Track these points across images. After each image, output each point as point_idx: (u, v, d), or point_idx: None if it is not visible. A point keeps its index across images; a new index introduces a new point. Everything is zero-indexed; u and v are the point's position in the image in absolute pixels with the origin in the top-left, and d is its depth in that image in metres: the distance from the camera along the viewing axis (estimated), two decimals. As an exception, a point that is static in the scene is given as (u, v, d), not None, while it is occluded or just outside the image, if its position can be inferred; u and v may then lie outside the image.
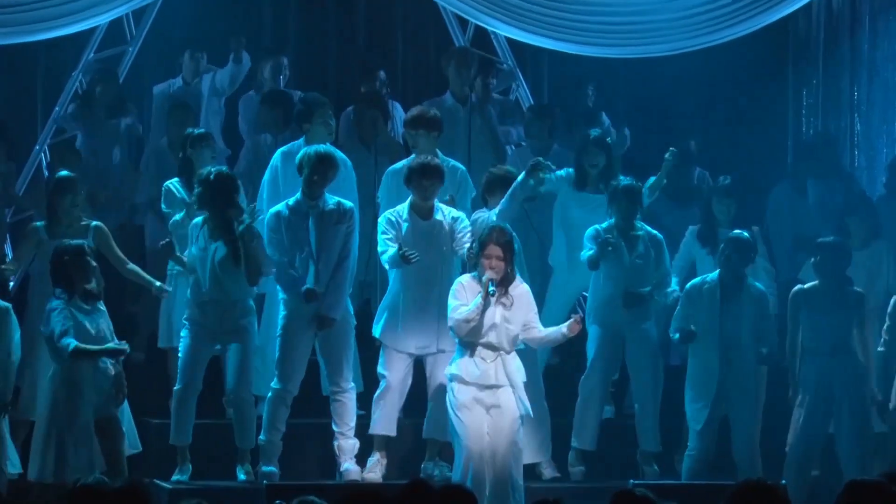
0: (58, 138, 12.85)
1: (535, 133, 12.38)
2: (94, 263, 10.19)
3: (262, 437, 10.60)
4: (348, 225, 10.68)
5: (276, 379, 10.62)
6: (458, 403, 10.04)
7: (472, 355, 10.04)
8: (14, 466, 10.27)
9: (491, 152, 12.37)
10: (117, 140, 12.68)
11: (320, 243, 10.60)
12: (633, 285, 10.95)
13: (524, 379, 10.15)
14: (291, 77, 13.03)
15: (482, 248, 10.02)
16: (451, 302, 10.05)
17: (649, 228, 11.11)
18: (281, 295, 10.71)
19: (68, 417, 10.04)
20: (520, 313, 10.08)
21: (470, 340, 10.02)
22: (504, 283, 10.02)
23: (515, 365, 10.11)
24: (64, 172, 11.16)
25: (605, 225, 10.99)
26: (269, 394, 10.62)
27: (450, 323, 10.07)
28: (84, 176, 11.69)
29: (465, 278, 10.16)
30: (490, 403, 10.02)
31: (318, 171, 10.59)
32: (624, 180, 11.09)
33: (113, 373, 10.08)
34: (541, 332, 10.14)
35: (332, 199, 10.70)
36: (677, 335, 10.83)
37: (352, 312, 10.80)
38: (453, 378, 10.09)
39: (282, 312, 10.68)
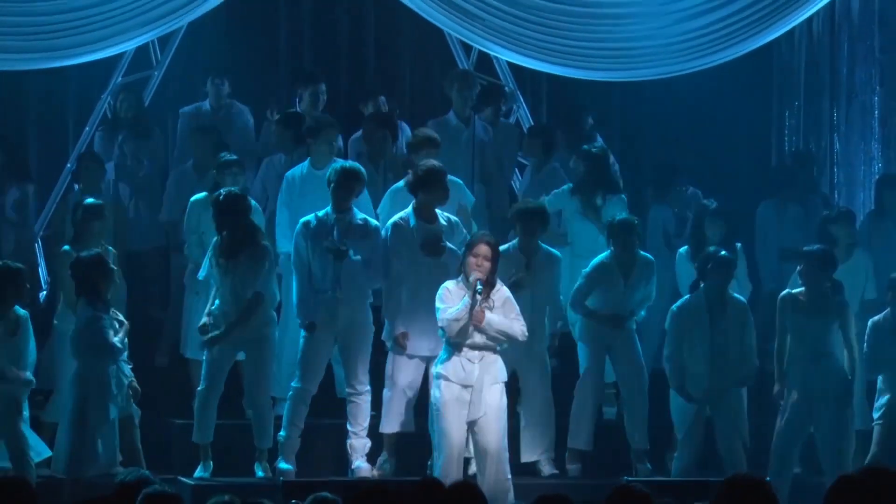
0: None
1: (533, 152, 12.44)
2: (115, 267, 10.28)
3: (281, 433, 10.61)
4: (373, 241, 10.67)
5: (296, 379, 10.64)
6: (443, 401, 10.09)
7: (458, 356, 10.08)
8: (39, 455, 10.30)
9: (497, 171, 12.44)
10: (142, 161, 12.63)
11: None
12: (622, 308, 11.05)
13: (505, 379, 10.20)
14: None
15: (470, 248, 10.07)
16: (439, 305, 10.07)
17: (645, 254, 11.20)
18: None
19: (99, 415, 10.10)
20: (501, 314, 10.11)
21: (458, 341, 10.04)
22: (488, 286, 10.04)
23: (498, 366, 10.15)
24: (90, 200, 11.17)
25: (606, 255, 11.09)
26: (290, 392, 10.63)
27: (440, 324, 10.08)
28: (108, 193, 11.77)
29: (451, 284, 10.16)
30: (472, 401, 10.05)
31: (344, 185, 10.62)
32: (620, 215, 11.18)
33: (130, 374, 10.21)
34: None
35: (359, 215, 10.71)
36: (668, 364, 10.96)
37: (371, 320, 10.78)
38: (438, 377, 10.15)
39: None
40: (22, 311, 10.27)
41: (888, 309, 10.85)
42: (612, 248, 11.11)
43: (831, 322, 10.74)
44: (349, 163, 10.96)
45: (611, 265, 11.09)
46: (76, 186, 12.34)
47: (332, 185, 10.65)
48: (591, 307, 11.14)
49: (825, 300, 10.73)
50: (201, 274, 10.74)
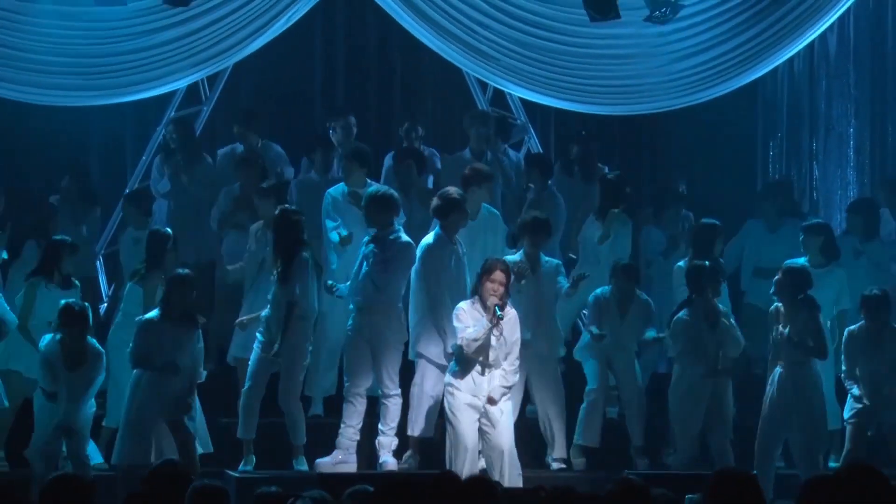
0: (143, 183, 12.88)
1: (534, 178, 12.43)
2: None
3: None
4: (404, 257, 10.64)
5: (346, 381, 10.66)
6: (455, 406, 10.09)
7: (468, 370, 10.10)
8: (95, 458, 10.32)
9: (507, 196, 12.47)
10: (193, 185, 12.56)
11: (381, 266, 10.56)
12: (620, 340, 11.04)
13: (507, 391, 10.20)
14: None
15: (488, 273, 10.04)
16: (456, 324, 10.08)
17: (642, 295, 11.16)
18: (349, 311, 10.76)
19: (151, 418, 10.12)
20: (507, 333, 10.10)
21: (474, 358, 10.03)
22: (494, 314, 10.02)
23: (497, 380, 10.14)
24: (158, 228, 11.21)
25: (606, 289, 11.10)
26: (345, 393, 10.65)
27: (460, 342, 10.06)
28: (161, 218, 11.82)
29: (465, 304, 10.15)
30: (482, 407, 10.08)
31: (371, 209, 10.61)
32: (623, 261, 11.20)
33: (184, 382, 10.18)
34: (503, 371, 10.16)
35: (396, 234, 10.65)
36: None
37: (404, 329, 10.72)
38: (450, 385, 10.15)
39: (349, 325, 10.70)
40: (99, 347, 10.26)
41: (863, 321, 10.77)
42: (612, 285, 11.10)
43: (805, 328, 10.63)
44: (384, 188, 10.95)
45: (609, 300, 11.09)
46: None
47: (370, 207, 10.65)
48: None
49: (799, 312, 10.66)
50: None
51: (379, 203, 10.63)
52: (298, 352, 10.56)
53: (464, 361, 10.12)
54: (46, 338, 10.18)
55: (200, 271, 11.60)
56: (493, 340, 10.04)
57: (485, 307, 10.02)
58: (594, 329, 10.97)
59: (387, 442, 10.64)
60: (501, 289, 10.02)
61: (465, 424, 10.06)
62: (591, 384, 11.11)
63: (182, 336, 10.12)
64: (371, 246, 10.62)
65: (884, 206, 12.39)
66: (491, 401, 10.10)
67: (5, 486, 6.40)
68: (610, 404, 11.44)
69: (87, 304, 10.41)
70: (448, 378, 10.21)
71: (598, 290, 11.14)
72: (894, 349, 10.65)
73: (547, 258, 11.08)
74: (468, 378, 10.10)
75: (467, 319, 10.06)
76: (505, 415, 10.16)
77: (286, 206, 10.88)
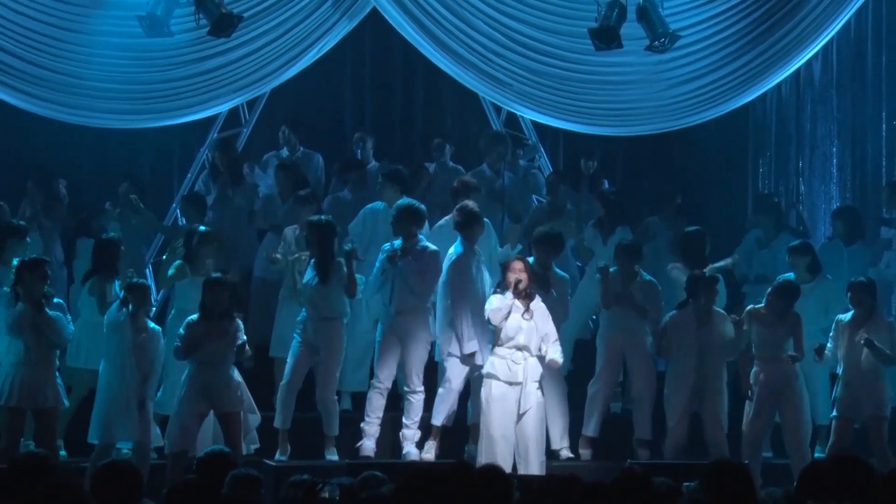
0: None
1: (557, 192, 12.43)
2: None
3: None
4: (436, 263, 10.59)
5: (375, 375, 10.64)
6: (491, 397, 10.02)
7: (505, 358, 10.01)
8: (157, 441, 10.27)
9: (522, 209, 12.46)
10: (235, 198, 12.61)
11: (419, 276, 10.53)
12: (631, 320, 10.95)
13: (537, 378, 10.10)
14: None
15: (507, 267, 10.06)
16: (487, 308, 10.04)
17: (646, 275, 11.07)
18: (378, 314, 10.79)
19: (197, 406, 10.11)
20: (540, 322, 10.06)
21: (499, 330, 9.96)
22: (528, 297, 10.00)
23: (536, 366, 10.06)
24: (203, 227, 11.21)
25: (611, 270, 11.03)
26: (369, 388, 10.63)
27: (486, 314, 10.05)
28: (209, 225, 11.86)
29: (496, 297, 10.09)
30: (516, 398, 9.99)
31: (401, 220, 10.60)
32: (624, 240, 11.13)
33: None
34: (544, 352, 10.09)
35: (422, 243, 10.60)
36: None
37: (429, 331, 10.69)
38: (489, 375, 10.06)
39: (379, 328, 10.68)
40: (157, 327, 10.25)
41: (854, 310, 10.62)
42: (617, 266, 11.00)
43: (787, 331, 10.61)
44: (408, 201, 10.90)
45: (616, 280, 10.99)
46: (182, 220, 12.40)
47: (398, 219, 10.63)
48: (607, 317, 11.06)
49: (782, 316, 10.64)
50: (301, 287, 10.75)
51: (407, 214, 10.63)
52: (335, 350, 10.56)
53: (499, 351, 10.05)
54: (113, 308, 10.15)
55: (239, 274, 11.63)
56: (524, 323, 10.01)
57: (515, 293, 9.98)
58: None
59: (410, 434, 10.62)
60: (524, 275, 10.00)
61: (496, 415, 9.98)
62: (595, 379, 11.06)
63: (221, 333, 10.12)
64: (399, 255, 10.60)
65: (885, 206, 12.36)
66: (554, 363, 10.03)
67: (64, 473, 6.42)
68: (614, 400, 11.41)
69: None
70: (486, 369, 10.12)
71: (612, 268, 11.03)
72: (878, 334, 10.50)
73: (558, 270, 11.03)
74: (504, 366, 10.04)
75: (497, 302, 10.02)
76: (537, 406, 10.10)
77: (323, 215, 10.87)
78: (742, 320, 10.63)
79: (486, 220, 11.32)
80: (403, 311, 10.53)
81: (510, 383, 10.01)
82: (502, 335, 10.03)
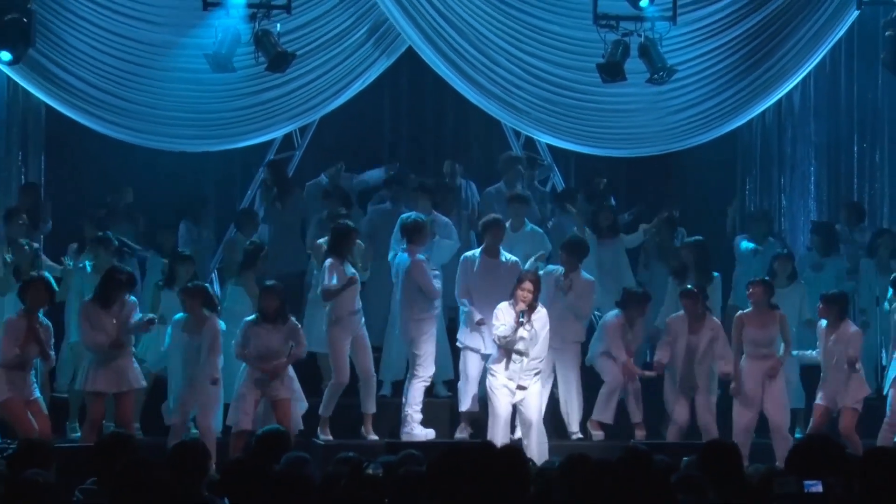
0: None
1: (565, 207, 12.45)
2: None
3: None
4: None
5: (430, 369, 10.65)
6: (494, 386, 10.18)
7: (506, 357, 10.15)
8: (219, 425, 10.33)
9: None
10: (287, 212, 12.61)
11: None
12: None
13: (531, 383, 10.19)
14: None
15: (520, 282, 10.13)
16: (494, 322, 10.14)
17: (585, 274, 11.11)
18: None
19: (252, 391, 10.12)
20: (539, 328, 10.16)
21: (506, 348, 10.12)
22: (530, 310, 10.07)
23: (528, 368, 10.18)
24: (255, 240, 11.26)
25: (614, 314, 11.08)
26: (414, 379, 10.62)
27: (493, 337, 10.19)
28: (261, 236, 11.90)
29: (504, 305, 10.18)
30: (515, 390, 10.12)
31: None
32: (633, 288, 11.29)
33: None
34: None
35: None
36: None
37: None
38: (491, 369, 10.22)
39: (438, 324, 10.84)
40: (223, 324, 10.27)
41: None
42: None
43: (773, 331, 10.61)
44: (415, 215, 10.96)
45: (625, 326, 11.02)
46: (237, 231, 12.46)
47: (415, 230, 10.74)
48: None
49: (767, 314, 10.61)
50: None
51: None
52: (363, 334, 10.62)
53: (502, 350, 10.15)
54: (177, 318, 10.22)
55: (291, 279, 11.68)
56: (525, 333, 10.06)
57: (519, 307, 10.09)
58: None
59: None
60: (530, 296, 10.05)
61: (500, 400, 10.14)
62: (608, 379, 11.02)
63: (276, 332, 10.10)
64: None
65: (846, 223, 12.32)
66: (521, 388, 10.14)
67: (142, 451, 6.46)
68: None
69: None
70: (490, 363, 10.24)
71: (608, 316, 11.08)
72: (844, 343, 10.47)
73: (585, 273, 11.05)
74: (503, 363, 10.12)
75: (502, 318, 10.09)
76: (534, 395, 10.16)
77: (346, 223, 10.81)
78: (735, 328, 10.61)
79: (540, 231, 11.48)
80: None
81: (509, 378, 10.12)
82: (504, 342, 10.16)
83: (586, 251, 11.09)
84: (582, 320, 10.94)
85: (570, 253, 10.90)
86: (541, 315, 10.19)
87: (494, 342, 10.23)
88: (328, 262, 10.46)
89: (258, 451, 6.84)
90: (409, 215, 10.91)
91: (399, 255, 10.81)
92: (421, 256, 10.67)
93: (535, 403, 10.20)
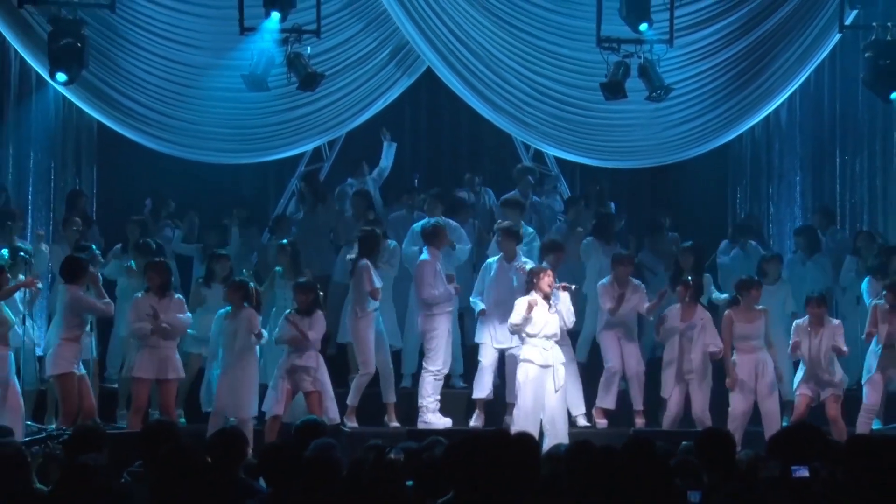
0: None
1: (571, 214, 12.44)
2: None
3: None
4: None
5: (438, 363, 10.61)
6: (528, 379, 9.99)
7: (537, 346, 10.00)
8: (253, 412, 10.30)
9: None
10: (318, 217, 12.61)
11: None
12: (626, 317, 10.93)
13: (563, 361, 10.12)
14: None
15: (536, 274, 10.07)
16: (513, 316, 10.06)
17: (635, 280, 11.06)
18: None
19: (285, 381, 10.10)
20: (564, 309, 10.12)
21: (521, 333, 9.99)
22: (546, 299, 10.01)
23: (560, 353, 10.09)
24: (284, 241, 11.27)
25: (607, 279, 11.00)
26: (425, 372, 10.58)
27: (508, 325, 10.12)
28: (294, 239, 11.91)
29: (525, 299, 10.09)
30: (546, 379, 9.98)
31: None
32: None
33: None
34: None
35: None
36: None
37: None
38: (525, 360, 10.03)
39: (453, 322, 10.87)
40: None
41: (808, 316, 10.63)
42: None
43: (761, 327, 10.57)
44: (435, 220, 11.01)
45: (615, 285, 10.96)
46: (271, 236, 12.46)
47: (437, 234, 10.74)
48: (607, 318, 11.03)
49: (753, 311, 10.57)
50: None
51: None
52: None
53: (532, 341, 10.02)
54: (221, 312, 10.21)
55: (320, 280, 11.69)
56: (550, 317, 9.97)
57: (544, 297, 9.97)
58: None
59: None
60: (551, 279, 10.05)
61: (529, 394, 9.96)
62: (608, 362, 11.02)
63: (307, 319, 10.12)
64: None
65: (818, 226, 12.30)
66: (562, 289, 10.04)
67: (184, 438, 6.46)
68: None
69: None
70: (524, 354, 10.06)
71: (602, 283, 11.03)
72: (829, 337, 10.45)
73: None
74: (537, 352, 10.01)
75: (518, 308, 10.02)
76: (560, 388, 10.08)
77: (372, 229, 10.83)
78: (725, 325, 10.57)
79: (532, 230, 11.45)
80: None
81: (543, 366, 9.96)
82: (534, 329, 9.99)
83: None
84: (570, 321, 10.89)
85: (550, 251, 10.81)
86: (564, 297, 10.13)
87: (510, 331, 10.14)
88: (364, 264, 10.44)
89: (297, 439, 6.84)
90: (428, 220, 10.89)
91: (419, 256, 10.78)
92: (427, 257, 10.62)
93: (560, 395, 10.06)
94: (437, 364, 10.54)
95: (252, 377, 10.09)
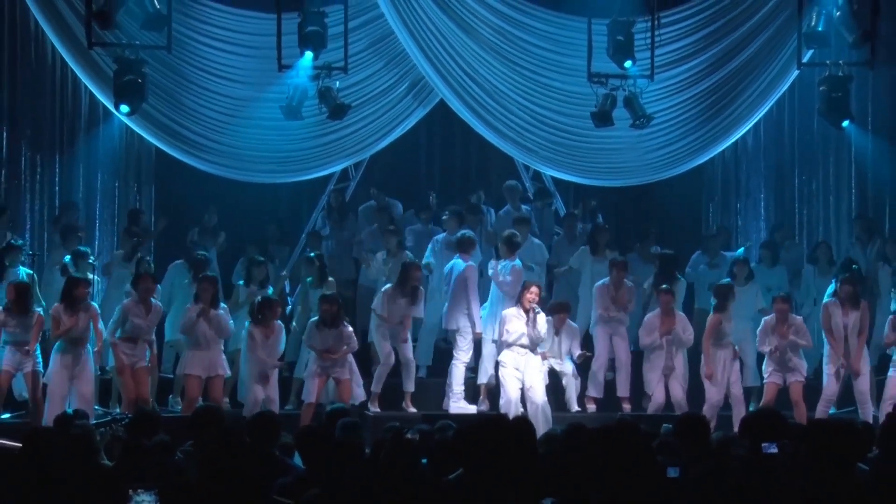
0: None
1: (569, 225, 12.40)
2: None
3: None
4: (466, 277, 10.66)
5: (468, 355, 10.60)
6: (505, 374, 10.13)
7: (513, 351, 10.09)
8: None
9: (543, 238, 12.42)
10: (344, 231, 12.59)
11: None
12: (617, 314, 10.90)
13: (537, 367, 10.10)
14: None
15: (527, 287, 10.07)
16: (507, 326, 10.03)
17: (628, 282, 11.04)
18: None
19: (315, 373, 10.07)
20: (541, 328, 10.11)
21: (510, 336, 10.07)
22: (532, 313, 10.01)
23: (533, 362, 10.10)
24: (312, 254, 11.27)
25: (604, 280, 10.96)
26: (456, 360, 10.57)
27: (501, 341, 10.13)
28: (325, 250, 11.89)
29: (512, 310, 10.12)
30: (521, 374, 10.03)
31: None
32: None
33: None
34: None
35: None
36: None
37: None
38: (502, 363, 10.17)
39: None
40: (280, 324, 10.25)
41: (773, 314, 10.58)
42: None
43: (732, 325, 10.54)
44: (461, 232, 10.99)
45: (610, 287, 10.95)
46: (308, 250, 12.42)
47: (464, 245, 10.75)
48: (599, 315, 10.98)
49: (729, 312, 10.54)
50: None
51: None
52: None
53: (511, 348, 10.08)
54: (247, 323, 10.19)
55: (346, 285, 11.68)
56: (528, 331, 9.98)
57: (525, 311, 10.02)
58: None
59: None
60: (537, 297, 10.00)
61: (511, 386, 10.04)
62: (597, 356, 10.95)
63: (331, 335, 10.10)
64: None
65: (779, 241, 12.26)
66: (544, 356, 10.10)
67: (227, 421, 6.46)
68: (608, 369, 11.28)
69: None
70: (501, 357, 10.16)
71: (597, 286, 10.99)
72: (793, 332, 10.41)
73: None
74: (513, 358, 10.05)
75: (511, 322, 10.06)
76: (540, 381, 10.08)
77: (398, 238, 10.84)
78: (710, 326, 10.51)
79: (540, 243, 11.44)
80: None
81: (516, 368, 10.03)
82: (512, 339, 10.07)
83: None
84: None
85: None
86: (542, 317, 10.16)
87: (503, 339, 10.14)
88: (387, 289, 10.49)
89: (327, 423, 6.85)
90: (463, 232, 10.97)
91: (454, 262, 10.74)
92: (472, 263, 10.70)
93: (539, 389, 10.11)
94: (469, 354, 10.60)
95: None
